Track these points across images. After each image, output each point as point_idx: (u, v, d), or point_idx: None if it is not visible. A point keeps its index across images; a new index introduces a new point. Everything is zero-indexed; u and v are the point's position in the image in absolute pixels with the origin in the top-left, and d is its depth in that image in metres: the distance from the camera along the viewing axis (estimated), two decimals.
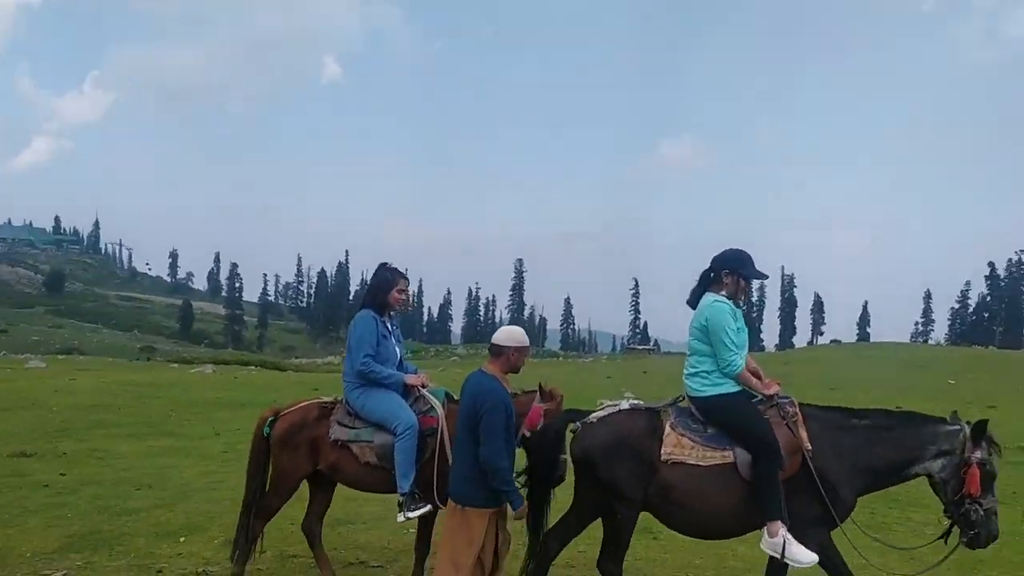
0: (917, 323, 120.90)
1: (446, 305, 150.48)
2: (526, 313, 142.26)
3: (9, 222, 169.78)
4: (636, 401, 4.50)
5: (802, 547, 3.99)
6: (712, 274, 4.44)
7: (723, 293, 4.38)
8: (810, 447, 4.10)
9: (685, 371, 4.47)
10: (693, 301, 4.49)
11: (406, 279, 5.17)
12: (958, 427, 4.12)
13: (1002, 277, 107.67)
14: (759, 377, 4.44)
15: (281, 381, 26.61)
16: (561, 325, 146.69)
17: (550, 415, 4.81)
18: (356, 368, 4.86)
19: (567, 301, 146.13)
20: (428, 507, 4.72)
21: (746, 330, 4.46)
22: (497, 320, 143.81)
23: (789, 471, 4.08)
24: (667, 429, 4.26)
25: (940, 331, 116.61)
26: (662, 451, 4.19)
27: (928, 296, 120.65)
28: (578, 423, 4.40)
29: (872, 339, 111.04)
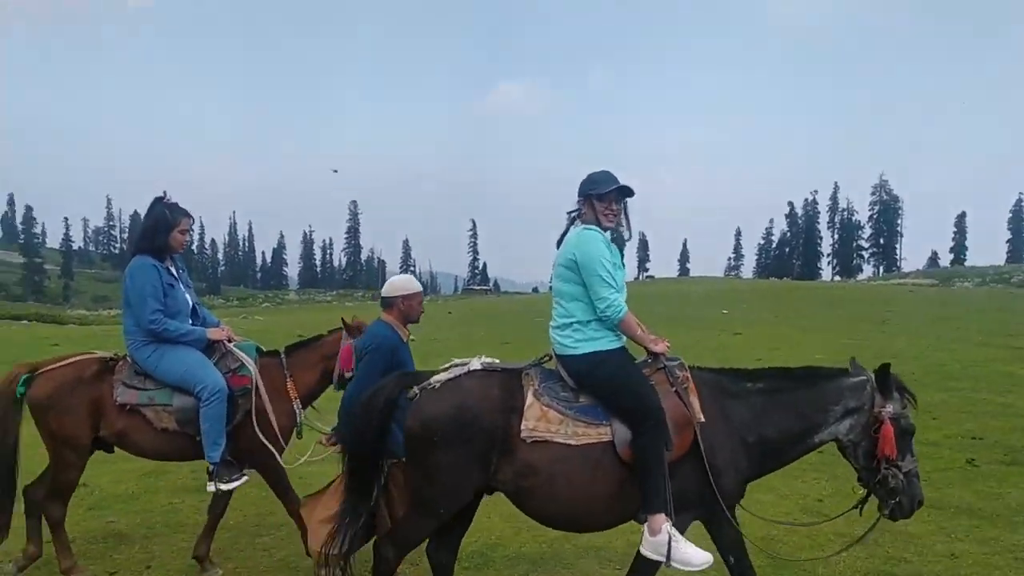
0: (730, 258, 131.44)
1: (280, 249, 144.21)
2: (363, 256, 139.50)
3: None
4: (490, 360, 3.65)
5: (692, 546, 3.29)
6: (575, 212, 3.71)
7: (594, 224, 3.64)
8: (703, 419, 3.41)
9: (552, 323, 3.66)
10: (559, 242, 3.73)
11: (189, 216, 4.47)
12: (863, 378, 3.56)
13: (799, 216, 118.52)
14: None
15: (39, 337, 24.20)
16: (400, 267, 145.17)
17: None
18: (145, 326, 4.24)
19: (405, 243, 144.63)
20: (246, 477, 4.34)
21: (624, 270, 3.68)
22: (336, 264, 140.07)
23: (678, 450, 3.36)
24: (530, 398, 3.44)
25: (749, 266, 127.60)
26: (523, 426, 3.36)
27: (738, 234, 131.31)
28: (416, 388, 3.49)
29: (692, 274, 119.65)
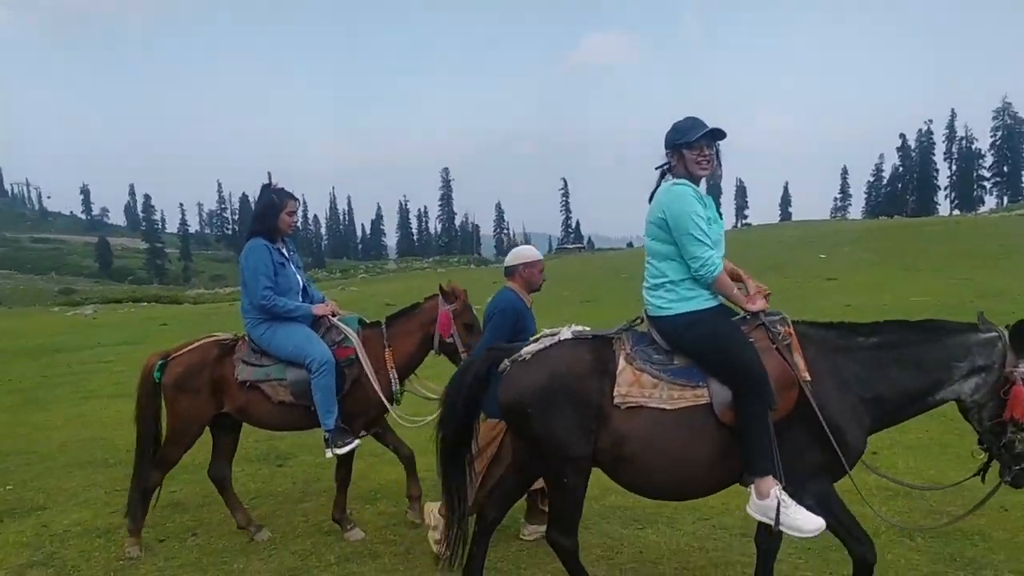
0: (836, 199, 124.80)
1: (378, 221, 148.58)
2: (457, 222, 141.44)
3: None
4: (581, 328, 3.53)
5: (803, 510, 3.09)
6: (664, 164, 3.51)
7: (685, 175, 3.43)
8: (808, 378, 3.20)
9: (644, 284, 3.51)
10: (651, 199, 3.55)
11: (295, 199, 4.75)
12: (994, 335, 3.28)
13: (913, 148, 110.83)
14: (740, 282, 3.56)
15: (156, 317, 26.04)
16: (494, 231, 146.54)
17: (459, 317, 4.78)
18: (257, 302, 4.53)
19: (498, 206, 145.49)
20: (357, 441, 4.57)
21: (721, 223, 3.49)
22: (432, 232, 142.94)
23: (782, 410, 3.17)
24: (621, 363, 3.31)
25: (858, 206, 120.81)
26: (615, 392, 3.25)
27: (845, 172, 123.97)
28: (507, 361, 3.43)
29: (794, 219, 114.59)
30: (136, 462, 4.72)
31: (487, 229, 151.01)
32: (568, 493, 3.38)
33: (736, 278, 3.52)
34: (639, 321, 3.55)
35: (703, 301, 3.36)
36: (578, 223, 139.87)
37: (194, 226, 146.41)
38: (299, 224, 5.18)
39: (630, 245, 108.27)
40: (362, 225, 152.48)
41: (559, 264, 49.85)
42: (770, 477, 3.11)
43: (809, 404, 3.15)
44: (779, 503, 3.08)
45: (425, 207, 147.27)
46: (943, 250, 25.71)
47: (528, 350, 3.42)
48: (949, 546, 4.30)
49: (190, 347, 4.74)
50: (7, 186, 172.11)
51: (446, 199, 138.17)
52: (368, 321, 4.92)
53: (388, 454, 5.24)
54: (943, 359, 3.29)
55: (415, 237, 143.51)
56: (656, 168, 3.56)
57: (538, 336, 3.53)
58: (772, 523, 3.10)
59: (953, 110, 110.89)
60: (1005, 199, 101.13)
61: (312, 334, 4.61)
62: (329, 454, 4.51)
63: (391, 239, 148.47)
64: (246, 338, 4.72)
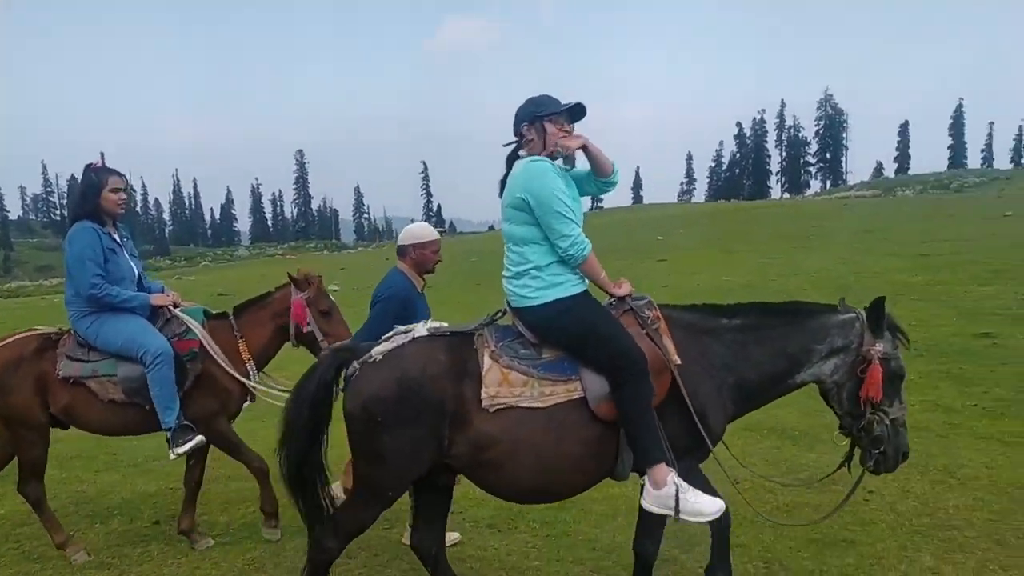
0: (682, 183, 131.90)
1: (228, 205, 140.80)
2: (314, 206, 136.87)
3: None
4: (438, 325, 3.25)
5: (701, 493, 2.98)
6: (515, 143, 3.27)
7: (542, 153, 3.19)
8: (679, 362, 3.09)
9: (504, 273, 3.25)
10: (503, 185, 3.27)
11: (120, 175, 4.28)
12: (852, 315, 3.27)
13: (748, 136, 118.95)
14: None
15: None
16: (354, 215, 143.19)
17: (313, 304, 4.49)
18: (85, 292, 4.10)
19: (356, 190, 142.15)
20: (199, 438, 4.21)
21: (580, 201, 3.27)
22: (288, 216, 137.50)
23: (658, 396, 3.04)
24: (487, 361, 3.05)
25: (702, 190, 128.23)
26: (483, 394, 2.98)
27: (689, 158, 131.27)
28: (355, 363, 3.10)
29: (645, 202, 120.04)
30: None
31: (345, 213, 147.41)
32: (376, 509, 3.14)
33: None
34: (501, 314, 3.30)
35: (571, 286, 3.14)
36: (439, 207, 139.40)
37: (15, 212, 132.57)
38: (133, 205, 4.82)
39: (491, 228, 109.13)
40: (211, 210, 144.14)
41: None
42: (663, 464, 2.96)
43: (679, 389, 3.05)
44: (677, 489, 2.93)
45: (280, 191, 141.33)
46: (764, 232, 27.80)
47: (378, 349, 3.11)
48: (814, 530, 4.31)
49: (5, 342, 4.31)
50: None
51: (301, 182, 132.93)
52: (213, 312, 4.62)
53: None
54: (803, 341, 3.24)
55: (269, 222, 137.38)
56: (505, 145, 3.30)
57: (390, 333, 3.24)
58: (672, 513, 2.94)
59: (783, 100, 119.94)
60: (828, 183, 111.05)
61: (147, 325, 4.25)
62: (172, 455, 4.17)
63: (244, 224, 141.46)
64: (72, 331, 4.32)
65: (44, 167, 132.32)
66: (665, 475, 2.95)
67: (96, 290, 4.11)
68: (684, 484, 2.96)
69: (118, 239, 4.36)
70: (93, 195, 4.23)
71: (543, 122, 3.17)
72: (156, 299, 4.37)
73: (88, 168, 4.31)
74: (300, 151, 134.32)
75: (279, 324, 4.58)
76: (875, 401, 3.16)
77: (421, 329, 3.18)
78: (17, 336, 4.37)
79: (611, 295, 3.29)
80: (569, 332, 3.08)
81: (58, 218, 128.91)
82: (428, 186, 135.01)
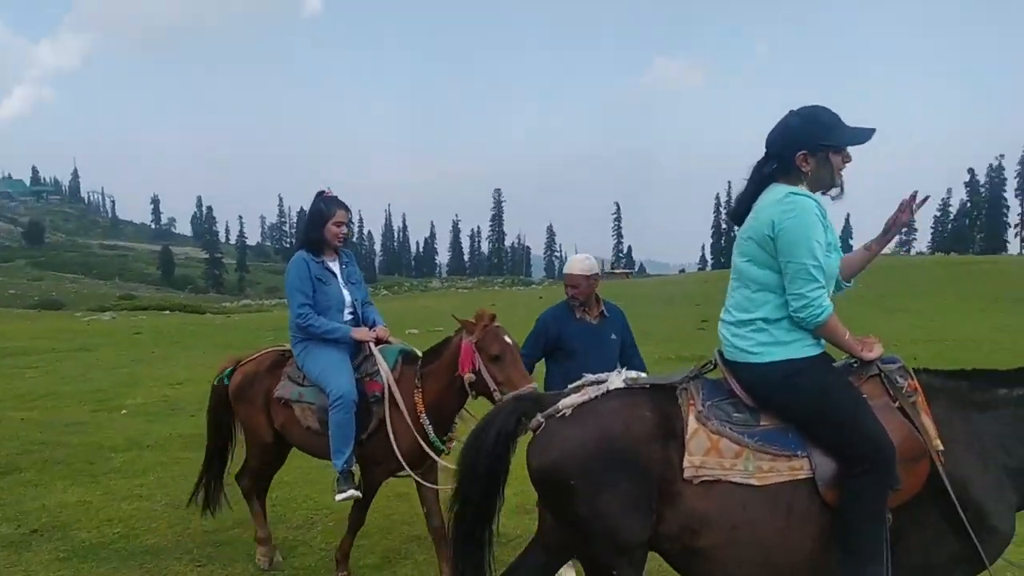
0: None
1: (431, 239, 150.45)
2: (508, 243, 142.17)
3: None
4: (635, 374, 2.85)
5: None
6: (775, 163, 2.66)
7: (801, 187, 2.63)
8: (941, 447, 2.49)
9: (724, 317, 2.77)
10: (741, 212, 2.75)
11: (345, 208, 4.30)
12: None
13: (982, 183, 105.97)
14: None
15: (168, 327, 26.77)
16: (545, 253, 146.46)
17: (483, 349, 3.91)
18: (292, 320, 4.21)
19: (549, 228, 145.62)
20: (355, 493, 4.00)
21: (840, 252, 2.74)
22: (486, 251, 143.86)
23: (907, 490, 2.47)
24: (692, 423, 2.60)
25: (924, 241, 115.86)
26: (686, 463, 2.54)
27: None
28: (540, 416, 2.72)
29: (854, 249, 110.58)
30: (203, 466, 4.75)
31: (537, 250, 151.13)
32: None
33: None
34: (710, 366, 2.83)
35: (804, 347, 2.61)
36: (630, 248, 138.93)
37: (255, 238, 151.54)
38: (352, 237, 4.98)
39: (682, 271, 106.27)
40: (416, 243, 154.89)
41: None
42: None
43: (940, 481, 2.45)
44: None
45: (478, 227, 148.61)
46: (952, 290, 24.31)
47: (568, 402, 2.70)
48: None
49: (251, 355, 4.58)
50: (83, 194, 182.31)
51: (496, 219, 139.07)
52: (417, 354, 4.27)
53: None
54: None
55: (466, 256, 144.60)
56: (761, 165, 2.70)
57: (579, 383, 2.85)
58: None
59: None
60: None
61: (342, 360, 4.12)
62: (336, 498, 4.05)
63: (444, 257, 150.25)
64: None
65: (280, 199, 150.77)
66: None
67: (301, 319, 4.14)
68: None
69: (335, 268, 4.34)
70: (319, 225, 4.26)
71: (829, 152, 2.60)
72: (356, 333, 4.21)
73: (319, 196, 4.32)
74: (498, 190, 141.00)
75: (454, 373, 3.99)
76: None
77: (616, 380, 2.76)
78: (264, 351, 4.57)
79: (859, 358, 2.70)
80: (796, 402, 2.57)
81: (288, 245, 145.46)
82: (619, 226, 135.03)
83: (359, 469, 4.16)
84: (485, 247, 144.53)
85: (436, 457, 4.02)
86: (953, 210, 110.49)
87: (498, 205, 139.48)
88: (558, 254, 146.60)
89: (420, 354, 4.26)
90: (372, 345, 4.20)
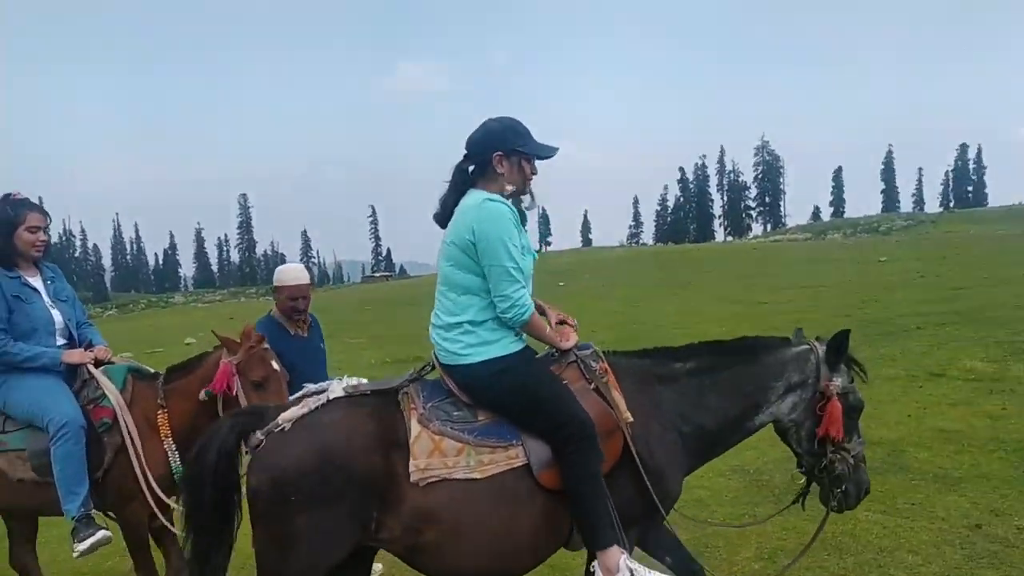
0: (630, 227, 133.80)
1: (171, 250, 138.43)
2: (260, 250, 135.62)
3: None
4: (356, 381, 2.83)
5: (657, 574, 2.66)
6: (473, 166, 2.81)
7: (506, 188, 2.79)
8: (631, 419, 2.74)
9: (433, 321, 2.85)
10: (446, 214, 2.85)
11: (40, 212, 3.67)
12: (806, 347, 3.02)
13: (691, 180, 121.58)
14: (542, 314, 2.96)
15: None
16: (301, 259, 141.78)
17: (245, 372, 3.58)
18: None
19: (304, 234, 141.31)
20: (103, 534, 3.43)
21: (533, 253, 2.88)
22: (236, 260, 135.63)
23: (608, 460, 2.69)
24: (414, 426, 2.64)
25: (650, 233, 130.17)
26: (412, 467, 2.57)
27: (636, 202, 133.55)
28: (259, 434, 2.63)
29: (595, 244, 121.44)
30: None
31: (292, 257, 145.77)
32: None
33: (538, 309, 2.89)
34: (428, 368, 2.89)
35: (508, 344, 2.76)
36: (389, 251, 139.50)
37: None
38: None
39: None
40: (155, 255, 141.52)
41: (338, 294, 48.77)
42: (615, 547, 2.60)
43: (632, 450, 2.71)
44: (632, 573, 2.57)
45: (225, 235, 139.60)
46: (659, 274, 28.01)
47: (287, 416, 2.62)
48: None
49: None
50: None
51: (245, 226, 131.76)
52: (150, 371, 3.84)
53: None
54: (759, 379, 2.97)
55: (214, 267, 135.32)
56: (460, 167, 2.82)
57: (300, 394, 2.78)
58: None
59: (722, 146, 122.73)
60: (768, 226, 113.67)
61: (57, 386, 3.55)
62: (75, 553, 3.44)
63: (189, 270, 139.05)
64: None
65: None
66: (617, 559, 2.59)
67: None
68: (638, 566, 2.59)
69: (35, 283, 3.71)
70: (6, 233, 3.61)
71: (522, 159, 2.80)
72: (68, 356, 3.65)
73: (4, 200, 3.67)
74: (244, 195, 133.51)
75: (207, 391, 3.67)
76: (835, 439, 2.94)
77: (337, 389, 2.72)
78: None
79: (557, 348, 2.92)
80: (506, 397, 2.71)
81: None
82: (376, 230, 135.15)
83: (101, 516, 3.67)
84: (236, 256, 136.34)
85: (156, 490, 3.56)
86: (671, 205, 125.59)
87: (245, 211, 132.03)
88: (315, 260, 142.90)
89: (155, 371, 3.89)
90: (91, 367, 3.69)
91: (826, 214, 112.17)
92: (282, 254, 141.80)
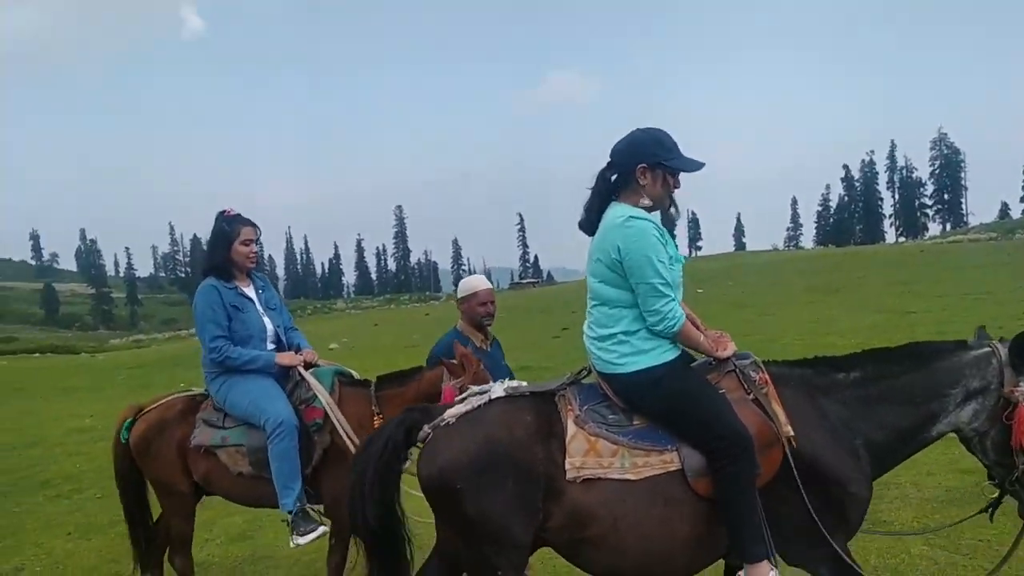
0: (788, 229, 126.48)
1: (336, 259, 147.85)
2: (414, 259, 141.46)
3: None
4: (517, 384, 2.98)
5: None
6: (616, 175, 2.85)
7: (643, 203, 2.81)
8: (792, 432, 2.68)
9: (587, 333, 2.93)
10: (590, 221, 2.90)
11: (252, 226, 3.93)
12: (986, 350, 2.82)
13: (856, 179, 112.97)
14: (698, 328, 2.95)
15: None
16: (452, 267, 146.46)
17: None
18: (206, 355, 3.84)
19: (455, 243, 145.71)
20: (322, 529, 3.69)
21: (681, 260, 2.91)
22: (392, 268, 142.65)
23: (766, 473, 2.66)
24: (571, 427, 2.74)
25: (809, 235, 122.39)
26: (567, 464, 2.67)
27: (794, 203, 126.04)
28: (427, 427, 2.82)
29: (748, 248, 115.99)
30: (130, 534, 4.13)
31: (444, 265, 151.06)
32: None
33: (691, 322, 2.92)
34: (585, 372, 2.98)
35: (663, 353, 2.80)
36: (536, 257, 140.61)
37: (147, 269, 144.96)
38: (262, 256, 4.32)
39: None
40: (321, 264, 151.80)
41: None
42: (764, 563, 2.59)
43: (790, 463, 2.65)
44: None
45: (383, 245, 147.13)
46: (816, 281, 25.82)
47: (452, 412, 2.81)
48: None
49: (152, 404, 4.07)
50: None
51: (400, 236, 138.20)
52: (354, 375, 4.06)
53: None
54: (934, 387, 2.80)
55: (373, 275, 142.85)
56: (605, 174, 2.86)
57: (463, 396, 2.98)
58: None
59: (892, 141, 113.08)
60: (947, 225, 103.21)
61: (273, 388, 3.80)
62: (292, 544, 3.65)
63: (351, 277, 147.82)
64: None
65: (171, 227, 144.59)
66: (765, 574, 2.59)
67: (215, 353, 3.77)
68: None
69: (250, 293, 3.98)
70: (223, 247, 3.90)
71: (666, 172, 2.80)
72: (281, 358, 3.87)
73: (220, 216, 3.94)
74: (399, 206, 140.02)
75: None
76: None
77: (498, 389, 2.89)
78: (165, 398, 4.11)
79: (714, 358, 2.89)
80: (661, 405, 2.76)
81: (183, 275, 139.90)
82: (524, 237, 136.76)
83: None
84: (392, 264, 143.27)
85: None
86: (833, 205, 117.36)
87: (400, 222, 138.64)
88: (465, 267, 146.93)
89: (357, 376, 4.06)
90: (302, 369, 3.87)
91: (1016, 211, 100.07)
92: (434, 262, 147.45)
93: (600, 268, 2.81)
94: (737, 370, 2.82)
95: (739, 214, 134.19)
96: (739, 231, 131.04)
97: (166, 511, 4.07)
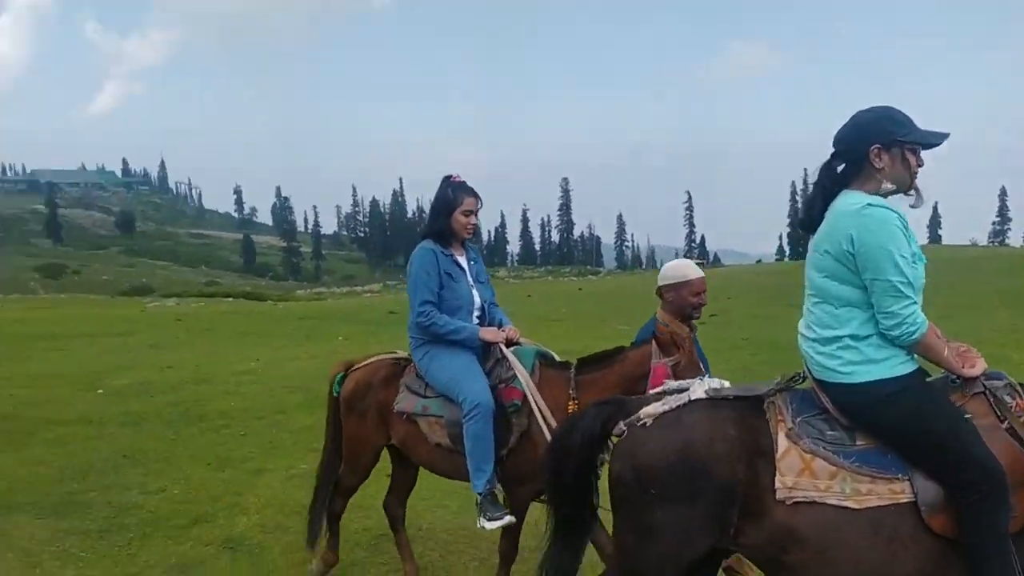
0: (994, 223, 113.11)
1: (502, 228, 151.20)
2: (577, 232, 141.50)
3: (82, 167, 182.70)
4: (720, 383, 2.69)
5: None
6: (843, 164, 2.55)
7: (885, 187, 2.49)
8: None
9: (805, 332, 2.61)
10: (812, 219, 2.58)
11: (475, 196, 3.87)
12: None
13: None
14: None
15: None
16: (615, 242, 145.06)
17: (682, 375, 3.35)
18: (413, 319, 3.80)
19: (619, 218, 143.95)
20: (508, 518, 3.57)
21: (924, 260, 2.48)
22: (555, 240, 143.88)
23: (1022, 516, 2.32)
24: (781, 441, 2.46)
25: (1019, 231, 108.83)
26: (778, 483, 2.41)
27: (1003, 193, 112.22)
28: (623, 424, 2.65)
29: (944, 242, 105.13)
30: (317, 480, 4.28)
31: (607, 239, 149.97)
32: None
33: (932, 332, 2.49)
34: (799, 378, 2.65)
35: (898, 364, 2.45)
36: (703, 238, 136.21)
37: (332, 227, 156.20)
38: (479, 228, 4.34)
39: (759, 261, 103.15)
40: (488, 232, 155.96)
41: (642, 279, 48.51)
42: None
43: None
44: None
45: (548, 216, 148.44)
46: (1003, 283, 22.84)
47: (648, 411, 2.60)
48: None
49: (367, 362, 4.16)
50: (171, 184, 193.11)
51: (565, 208, 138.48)
52: (554, 357, 3.90)
53: None
54: None
55: (536, 246, 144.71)
56: (830, 166, 2.57)
57: (659, 390, 2.78)
58: None
59: None
60: None
61: (472, 365, 3.72)
62: (479, 525, 3.60)
63: (515, 247, 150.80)
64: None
65: (354, 189, 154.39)
66: None
67: (423, 318, 3.73)
68: None
69: (463, 263, 3.93)
70: (445, 214, 3.85)
71: (905, 150, 2.48)
72: (485, 333, 3.78)
73: (446, 181, 3.88)
74: (565, 179, 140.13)
75: (629, 390, 3.45)
76: None
77: (698, 390, 2.63)
78: (373, 359, 4.17)
79: (959, 375, 2.52)
80: (894, 425, 2.41)
81: (362, 234, 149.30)
82: (691, 216, 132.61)
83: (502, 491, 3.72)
84: (555, 236, 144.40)
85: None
86: None
87: (566, 194, 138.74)
88: (628, 244, 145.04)
89: (558, 357, 3.91)
90: (503, 347, 3.76)
91: None
92: (598, 236, 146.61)
93: (826, 260, 2.47)
94: (987, 392, 2.44)
95: (936, 203, 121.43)
96: (935, 223, 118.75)
97: (348, 464, 4.12)
